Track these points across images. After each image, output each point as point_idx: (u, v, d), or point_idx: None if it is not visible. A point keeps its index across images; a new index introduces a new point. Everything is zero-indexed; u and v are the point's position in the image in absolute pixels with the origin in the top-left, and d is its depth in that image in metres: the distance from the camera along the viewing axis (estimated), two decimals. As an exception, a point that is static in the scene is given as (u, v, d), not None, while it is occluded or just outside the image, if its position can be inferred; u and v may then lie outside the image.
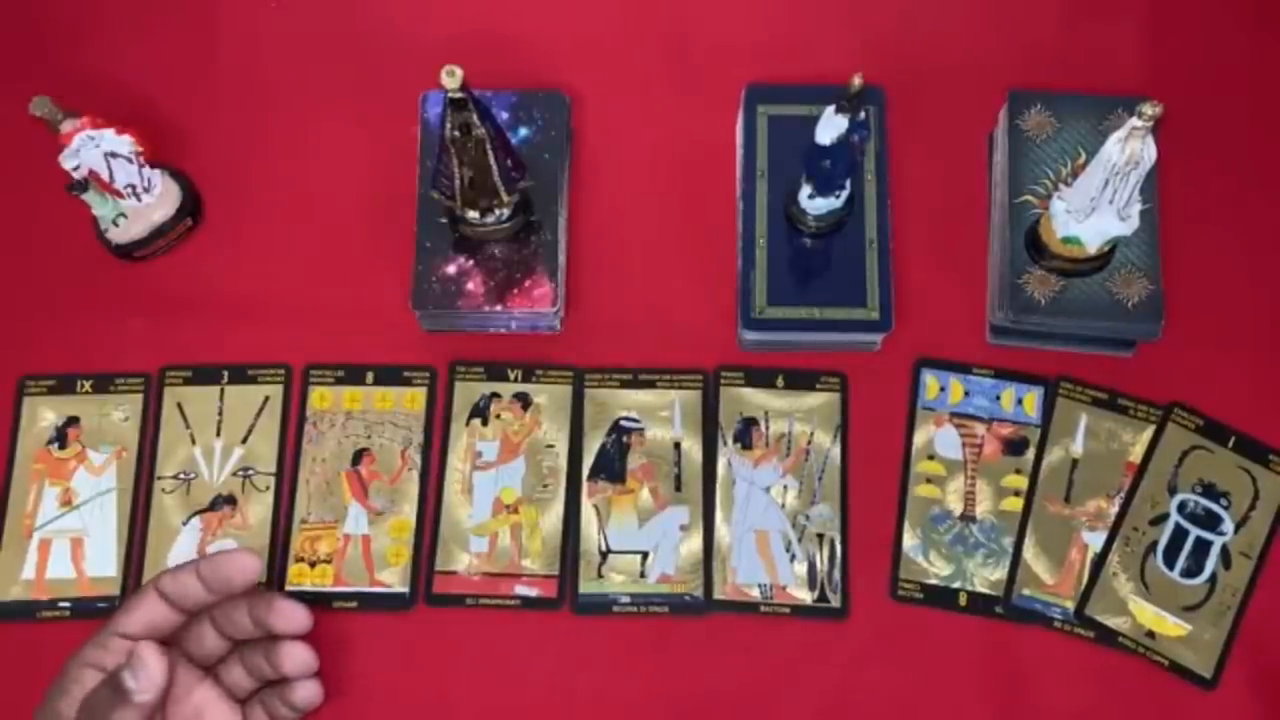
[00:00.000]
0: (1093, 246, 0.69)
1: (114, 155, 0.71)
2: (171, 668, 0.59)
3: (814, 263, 0.72)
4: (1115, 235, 0.68)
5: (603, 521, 0.71)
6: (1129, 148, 0.63)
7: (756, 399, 0.73)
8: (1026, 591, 0.70)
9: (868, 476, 0.72)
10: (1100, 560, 0.70)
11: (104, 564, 0.70)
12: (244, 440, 0.72)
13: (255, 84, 0.80)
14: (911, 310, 0.74)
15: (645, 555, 0.71)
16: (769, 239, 0.73)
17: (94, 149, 0.70)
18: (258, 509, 0.71)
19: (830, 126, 0.65)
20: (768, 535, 0.71)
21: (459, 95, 0.62)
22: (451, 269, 0.72)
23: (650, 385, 0.73)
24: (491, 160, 0.66)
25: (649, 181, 0.77)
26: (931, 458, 0.72)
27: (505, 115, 0.74)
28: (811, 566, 0.70)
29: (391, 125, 0.76)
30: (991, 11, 0.81)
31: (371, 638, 0.69)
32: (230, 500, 0.71)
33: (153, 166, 0.74)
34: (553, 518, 0.71)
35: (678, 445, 0.72)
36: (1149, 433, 0.72)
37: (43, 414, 0.73)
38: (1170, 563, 0.70)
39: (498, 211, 0.70)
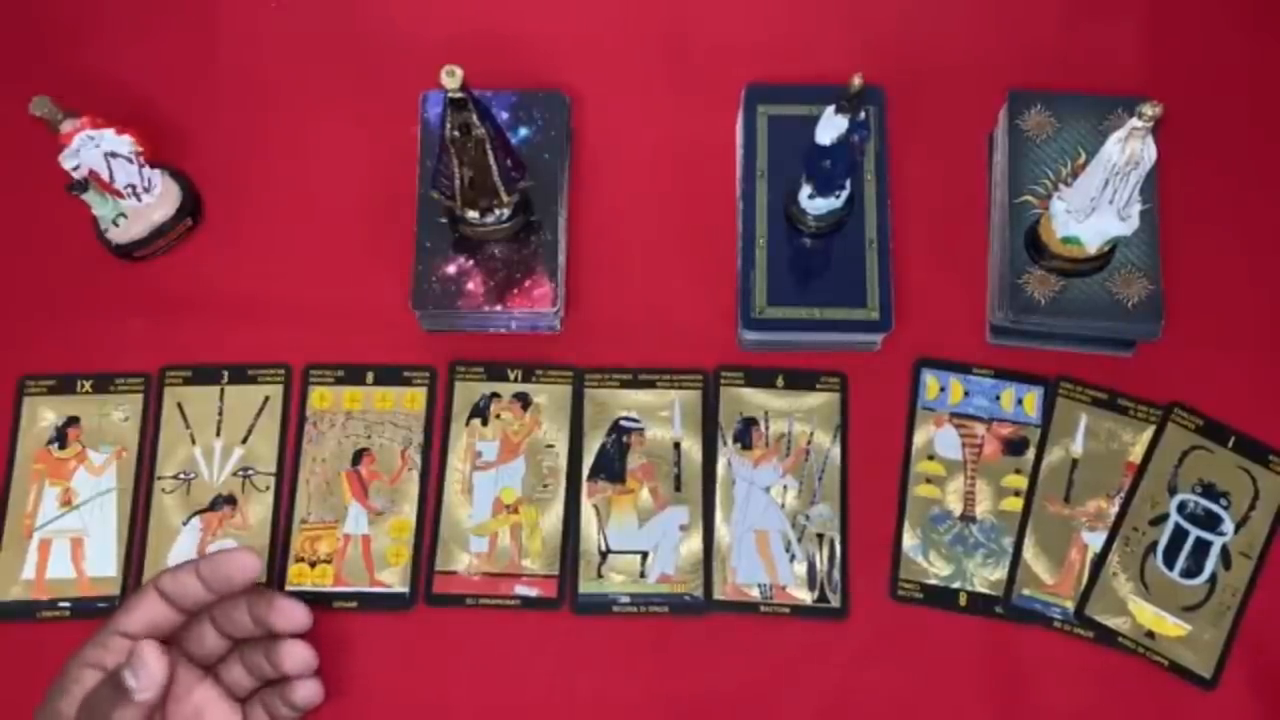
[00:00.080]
0: (1093, 246, 0.69)
1: (114, 155, 0.71)
2: (172, 667, 0.59)
3: (814, 263, 0.72)
4: (1115, 235, 0.68)
5: (602, 521, 0.71)
6: (1129, 148, 0.63)
7: (756, 399, 0.73)
8: (1026, 591, 0.70)
9: (867, 476, 0.72)
10: (1100, 560, 0.70)
11: (104, 564, 0.70)
12: (244, 440, 0.73)
13: (255, 84, 0.80)
14: (911, 310, 0.74)
15: (645, 555, 0.71)
16: (769, 239, 0.73)
17: (94, 149, 0.70)
18: (258, 509, 0.71)
19: (830, 126, 0.65)
20: (767, 535, 0.71)
21: (459, 95, 0.62)
22: (451, 269, 0.72)
23: (650, 385, 0.73)
24: (491, 160, 0.66)
25: (649, 181, 0.77)
26: (931, 458, 0.72)
27: (505, 115, 0.74)
28: (811, 566, 0.70)
29: (391, 125, 0.76)
30: (991, 11, 0.81)
31: (371, 638, 0.69)
32: (230, 500, 0.71)
33: (153, 166, 0.74)
34: (553, 518, 0.71)
35: (677, 445, 0.72)
36: (1149, 433, 0.72)
37: (43, 414, 0.73)
38: (1170, 563, 0.70)
39: (498, 211, 0.70)
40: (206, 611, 0.64)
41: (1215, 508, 0.70)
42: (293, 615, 0.64)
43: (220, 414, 0.73)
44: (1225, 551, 0.70)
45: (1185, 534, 0.70)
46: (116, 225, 0.74)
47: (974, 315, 0.75)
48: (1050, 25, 0.80)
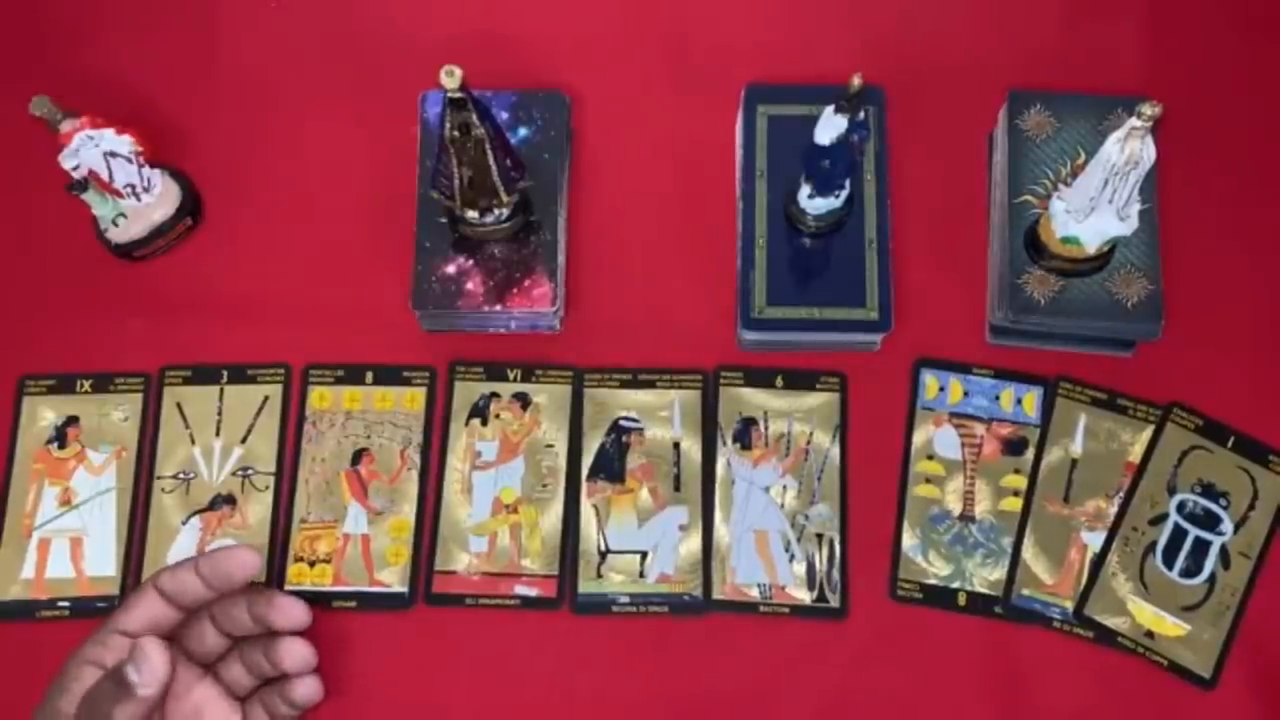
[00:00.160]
0: (1092, 246, 0.69)
1: (114, 155, 0.71)
2: (172, 664, 0.59)
3: (813, 263, 0.72)
4: (1115, 235, 0.68)
5: (602, 521, 0.71)
6: (1128, 148, 0.63)
7: (756, 399, 0.73)
8: (1026, 591, 0.70)
9: (867, 476, 0.72)
10: (1099, 560, 0.70)
11: (103, 564, 0.70)
12: (243, 440, 0.73)
13: (255, 84, 0.80)
14: (911, 310, 0.74)
15: (644, 555, 0.71)
16: (769, 239, 0.73)
17: (94, 149, 0.70)
18: (257, 509, 0.71)
19: (830, 126, 0.65)
20: (767, 535, 0.71)
21: (458, 95, 0.62)
22: (451, 269, 0.72)
23: (650, 385, 0.73)
24: (491, 160, 0.66)
25: (649, 181, 0.77)
26: (931, 458, 0.72)
27: (505, 115, 0.74)
28: (810, 566, 0.70)
29: (391, 125, 0.76)
30: (992, 11, 0.81)
31: (371, 637, 0.69)
32: (230, 500, 0.72)
33: (152, 166, 0.74)
34: (552, 517, 0.71)
35: (677, 445, 0.72)
36: (1148, 433, 0.72)
37: (42, 414, 0.73)
38: (1169, 563, 0.70)
39: (497, 211, 0.70)
40: (206, 610, 0.64)
41: (1214, 507, 0.70)
42: (292, 613, 0.64)
43: (220, 414, 0.73)
44: (1224, 551, 0.70)
45: (1184, 534, 0.70)
46: (116, 225, 0.74)
47: (974, 315, 0.75)
48: (1050, 25, 0.80)
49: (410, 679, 0.69)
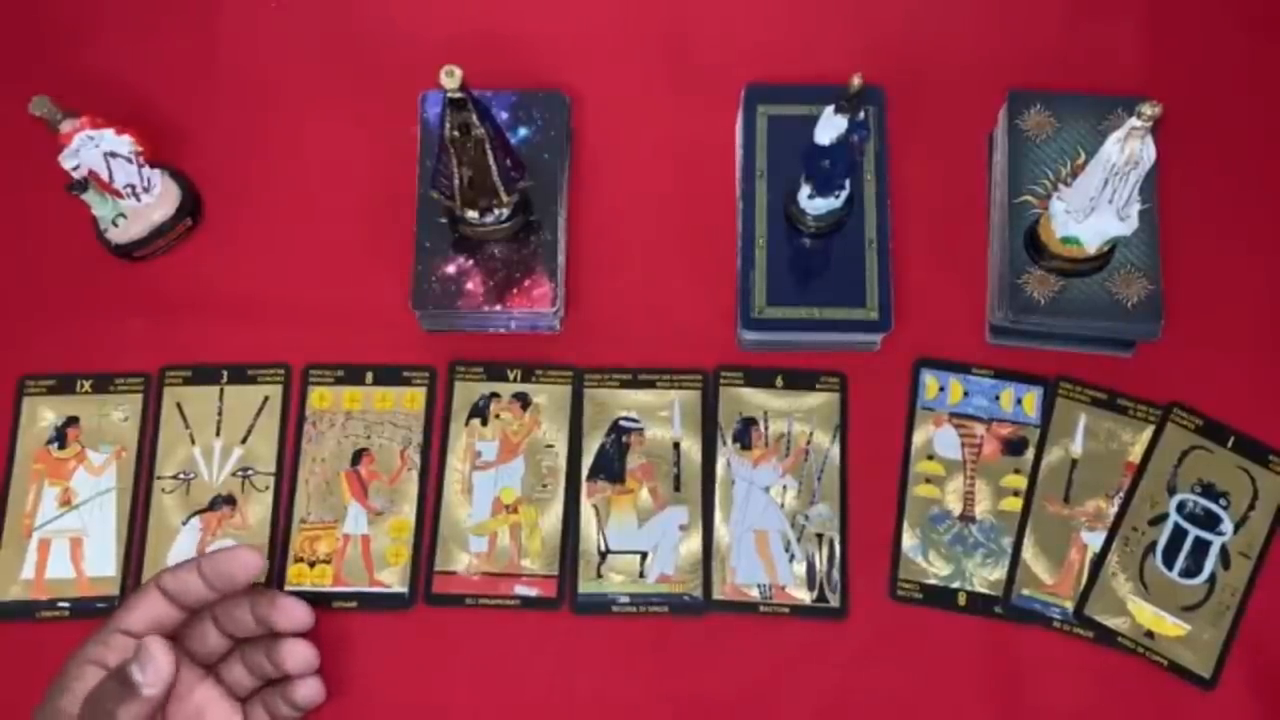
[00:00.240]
0: (1092, 246, 0.69)
1: (114, 155, 0.71)
2: (176, 664, 0.59)
3: (813, 263, 0.73)
4: (1115, 235, 0.68)
5: (602, 521, 0.71)
6: (1128, 148, 0.63)
7: (756, 399, 0.73)
8: (1026, 591, 0.70)
9: (867, 476, 0.72)
10: (1099, 560, 0.70)
11: (103, 564, 0.70)
12: (243, 440, 0.73)
13: (255, 84, 0.80)
14: (911, 310, 0.74)
15: (644, 555, 0.71)
16: (769, 239, 0.73)
17: (94, 149, 0.70)
18: (257, 509, 0.71)
19: (829, 126, 0.65)
20: (767, 535, 0.71)
21: (458, 95, 0.62)
22: (451, 269, 0.72)
23: (650, 385, 0.73)
24: (491, 160, 0.66)
25: (649, 181, 0.77)
26: (931, 458, 0.72)
27: (505, 115, 0.74)
28: (811, 566, 0.70)
29: (391, 125, 0.76)
30: (992, 11, 0.81)
31: (371, 638, 0.69)
32: (230, 500, 0.72)
33: (152, 166, 0.74)
34: (552, 518, 0.71)
35: (677, 445, 0.72)
36: (1148, 433, 0.72)
37: (42, 414, 0.73)
38: (1169, 563, 0.70)
39: (497, 211, 0.70)
40: (208, 610, 0.64)
41: (1214, 507, 0.70)
42: (295, 614, 0.64)
43: (220, 414, 0.73)
44: (1224, 551, 0.70)
45: (1184, 534, 0.70)
46: (116, 225, 0.74)
47: (973, 315, 0.75)
48: (1050, 25, 0.80)
49: (410, 679, 0.69)
